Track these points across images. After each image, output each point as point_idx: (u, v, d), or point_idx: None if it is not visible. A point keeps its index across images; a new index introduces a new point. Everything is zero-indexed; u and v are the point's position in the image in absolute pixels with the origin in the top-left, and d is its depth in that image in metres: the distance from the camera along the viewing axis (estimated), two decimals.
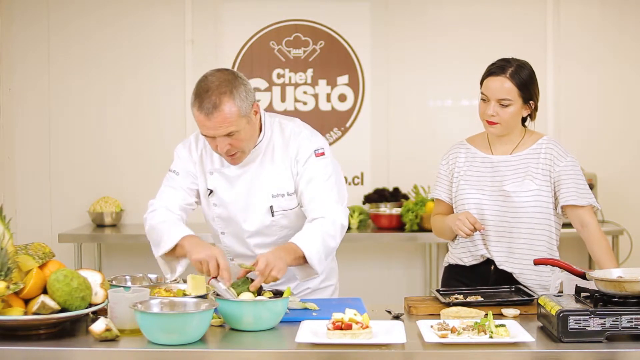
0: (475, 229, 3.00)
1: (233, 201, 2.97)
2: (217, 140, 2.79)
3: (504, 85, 3.00)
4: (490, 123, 3.04)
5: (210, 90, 2.73)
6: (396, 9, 5.58)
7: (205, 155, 3.01)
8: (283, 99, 5.58)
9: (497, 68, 3.04)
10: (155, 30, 5.57)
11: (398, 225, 5.19)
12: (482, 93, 3.06)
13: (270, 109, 5.58)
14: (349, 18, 5.58)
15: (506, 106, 3.01)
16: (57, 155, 5.58)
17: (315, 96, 5.58)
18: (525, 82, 3.03)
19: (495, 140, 3.15)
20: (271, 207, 2.95)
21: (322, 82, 5.57)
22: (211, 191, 2.99)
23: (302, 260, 2.77)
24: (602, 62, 5.56)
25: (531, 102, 3.06)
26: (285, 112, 5.56)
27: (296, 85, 5.58)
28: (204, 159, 3.01)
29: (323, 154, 2.95)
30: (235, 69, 5.54)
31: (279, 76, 5.59)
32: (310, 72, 5.58)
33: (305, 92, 5.60)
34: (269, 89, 5.59)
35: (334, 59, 5.58)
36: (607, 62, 5.55)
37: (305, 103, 5.59)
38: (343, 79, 5.58)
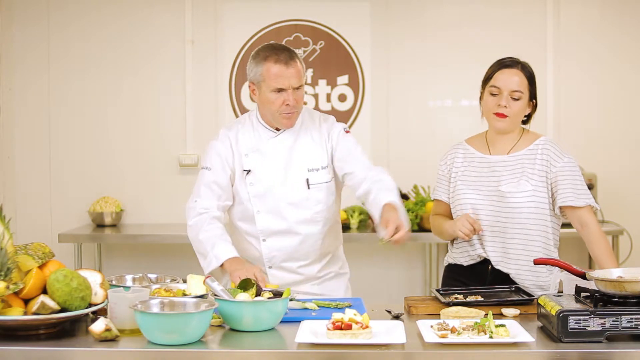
0: (475, 230, 3.00)
1: (270, 176, 3.15)
2: (287, 94, 3.04)
3: (518, 77, 3.06)
4: (500, 116, 3.06)
5: (279, 49, 3.07)
6: (396, 9, 5.58)
7: (240, 138, 3.20)
8: None
9: (510, 61, 3.10)
10: (155, 30, 5.57)
11: None
12: (492, 87, 3.07)
13: None
14: (349, 18, 5.59)
15: (517, 99, 3.05)
16: (57, 155, 5.59)
17: (315, 96, 5.58)
18: (533, 78, 3.10)
19: (494, 140, 3.15)
20: (307, 180, 3.15)
21: (322, 82, 5.57)
22: (248, 171, 3.15)
23: None
24: (602, 62, 5.56)
25: (534, 100, 3.10)
26: None
27: None
28: (239, 142, 3.19)
29: (349, 132, 3.25)
30: (235, 69, 5.58)
31: None
32: (310, 72, 5.58)
33: (305, 92, 5.59)
34: None
35: (334, 59, 5.58)
36: (607, 62, 5.56)
37: (305, 103, 5.55)
38: (343, 79, 5.58)
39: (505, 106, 3.04)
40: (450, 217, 3.20)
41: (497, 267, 3.07)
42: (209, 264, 3.03)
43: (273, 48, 3.08)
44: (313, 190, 3.15)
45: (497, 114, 3.06)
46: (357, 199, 3.17)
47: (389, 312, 2.73)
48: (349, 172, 3.14)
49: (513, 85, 3.05)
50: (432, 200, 3.33)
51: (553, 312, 2.34)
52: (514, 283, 3.03)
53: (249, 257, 3.25)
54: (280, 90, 3.04)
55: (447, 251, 3.28)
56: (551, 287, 3.06)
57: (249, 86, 3.15)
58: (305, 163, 3.16)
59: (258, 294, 2.61)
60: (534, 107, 3.14)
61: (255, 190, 3.16)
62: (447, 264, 3.26)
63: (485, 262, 3.10)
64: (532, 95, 3.10)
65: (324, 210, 3.18)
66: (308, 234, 3.17)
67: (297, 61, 3.06)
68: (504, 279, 3.05)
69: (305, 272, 3.21)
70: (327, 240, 3.23)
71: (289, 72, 3.02)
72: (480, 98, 3.15)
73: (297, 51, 5.46)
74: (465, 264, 3.14)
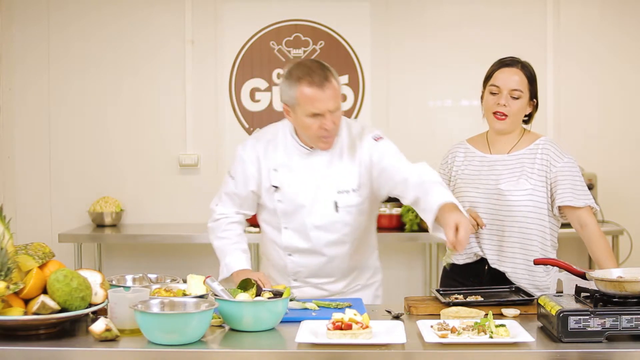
0: (478, 225, 3.00)
1: (299, 195, 3.01)
2: (324, 117, 2.85)
3: (517, 76, 3.05)
4: (499, 117, 3.05)
5: (313, 69, 2.86)
6: (396, 9, 5.58)
7: (269, 151, 3.05)
8: None
9: (510, 60, 3.09)
10: (155, 30, 5.57)
11: (398, 225, 5.19)
12: (492, 85, 3.07)
13: (270, 109, 5.58)
14: (349, 18, 5.59)
15: (517, 98, 3.04)
16: (57, 155, 5.59)
17: None
18: (533, 77, 3.10)
19: (494, 139, 3.16)
20: (336, 202, 3.00)
21: None
22: (276, 188, 3.03)
23: None
24: (602, 62, 5.56)
25: (534, 99, 3.10)
26: None
27: None
28: (268, 156, 3.05)
29: (381, 137, 3.05)
30: (235, 69, 5.58)
31: (279, 76, 5.58)
32: None
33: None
34: (269, 89, 5.59)
35: (334, 59, 5.57)
36: (607, 62, 5.56)
37: None
38: (343, 79, 5.58)
39: (504, 105, 3.04)
40: None
41: (493, 266, 3.07)
42: (220, 272, 3.06)
43: (307, 68, 2.86)
44: (341, 212, 3.01)
45: (497, 114, 3.06)
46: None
47: (389, 312, 2.73)
48: (391, 187, 2.95)
49: (512, 84, 3.05)
50: None
51: (553, 312, 2.34)
52: (511, 283, 3.03)
53: (276, 265, 3.18)
54: (316, 114, 2.86)
55: (447, 251, 3.28)
56: (551, 289, 3.06)
57: (283, 107, 2.97)
58: (335, 184, 3.00)
59: (258, 294, 2.61)
60: (535, 107, 3.14)
61: (283, 207, 3.04)
62: (444, 263, 3.27)
63: (482, 261, 3.10)
64: (533, 95, 3.10)
65: (352, 232, 3.05)
66: (334, 255, 3.07)
67: (332, 81, 2.85)
68: (501, 278, 3.05)
69: (330, 289, 3.13)
70: (355, 257, 3.13)
71: (325, 95, 2.82)
72: (482, 98, 3.16)
73: (297, 51, 5.55)
74: (461, 262, 3.14)
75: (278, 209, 3.05)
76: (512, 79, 3.05)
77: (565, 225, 3.19)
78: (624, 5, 5.56)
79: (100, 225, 5.39)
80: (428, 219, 2.71)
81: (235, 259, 3.05)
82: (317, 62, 2.93)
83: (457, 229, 2.57)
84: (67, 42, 5.56)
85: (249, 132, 5.58)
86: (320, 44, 5.58)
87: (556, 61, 5.55)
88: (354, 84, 5.59)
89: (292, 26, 5.60)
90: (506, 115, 3.05)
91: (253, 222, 4.58)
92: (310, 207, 3.01)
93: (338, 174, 3.00)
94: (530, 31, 5.55)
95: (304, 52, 5.56)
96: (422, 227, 5.04)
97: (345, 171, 3.00)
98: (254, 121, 5.60)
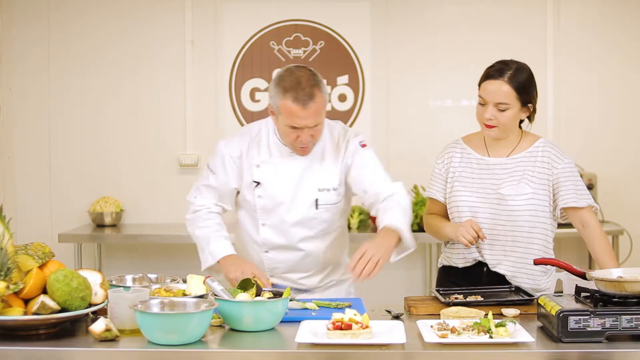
0: (478, 237, 2.98)
1: (280, 192, 3.10)
2: (302, 132, 2.95)
3: (502, 89, 2.95)
4: (488, 126, 3.01)
5: (302, 83, 2.90)
6: (396, 9, 5.58)
7: (253, 148, 3.13)
8: None
9: (495, 71, 2.98)
10: (155, 30, 5.57)
11: None
12: (479, 96, 3.01)
13: None
14: (349, 18, 5.59)
15: (504, 110, 2.97)
16: (57, 155, 5.59)
17: None
18: (524, 85, 2.97)
19: (493, 142, 3.11)
20: (316, 200, 3.09)
21: None
22: (257, 183, 3.11)
23: (398, 240, 2.90)
24: (602, 62, 5.56)
25: (529, 105, 3.02)
26: None
27: None
28: (251, 152, 3.13)
29: (366, 145, 3.14)
30: (235, 69, 5.58)
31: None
32: None
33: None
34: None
35: (334, 59, 5.58)
36: (607, 62, 5.56)
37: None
38: (343, 79, 5.58)
39: (490, 118, 2.98)
40: (446, 216, 3.18)
41: (493, 269, 3.05)
42: (205, 260, 3.09)
43: (295, 80, 2.92)
44: (321, 210, 3.11)
45: (486, 125, 3.02)
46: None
47: (389, 312, 2.73)
48: (362, 192, 3.09)
49: (497, 98, 2.95)
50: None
51: (553, 312, 2.34)
52: (510, 283, 3.02)
53: (252, 261, 3.20)
54: (294, 127, 2.95)
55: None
56: (550, 289, 3.05)
57: (268, 107, 3.06)
58: (317, 183, 3.10)
59: (258, 294, 2.61)
60: (533, 111, 3.07)
61: (263, 203, 3.12)
62: (441, 265, 3.25)
63: (481, 264, 3.08)
64: (526, 101, 2.99)
65: (328, 228, 3.16)
66: (310, 250, 3.16)
67: (316, 100, 2.90)
68: (500, 280, 3.04)
69: (307, 283, 3.21)
70: (330, 252, 3.21)
71: (305, 113, 2.90)
72: None
73: (297, 51, 5.55)
74: (460, 265, 3.13)
75: (258, 204, 3.13)
76: (496, 91, 2.95)
77: (566, 225, 3.18)
78: (624, 5, 5.56)
79: (100, 225, 5.39)
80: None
81: (219, 245, 3.08)
82: (308, 72, 2.96)
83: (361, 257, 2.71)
84: (67, 42, 5.56)
85: None
86: (320, 44, 5.58)
87: (556, 61, 5.55)
88: (354, 84, 5.59)
89: (292, 26, 5.60)
90: (495, 125, 3.02)
91: None
92: (290, 204, 3.10)
93: (319, 173, 3.10)
94: (530, 31, 5.55)
95: (304, 52, 5.56)
96: (421, 227, 5.03)
97: (327, 170, 3.10)
98: (254, 121, 5.58)
